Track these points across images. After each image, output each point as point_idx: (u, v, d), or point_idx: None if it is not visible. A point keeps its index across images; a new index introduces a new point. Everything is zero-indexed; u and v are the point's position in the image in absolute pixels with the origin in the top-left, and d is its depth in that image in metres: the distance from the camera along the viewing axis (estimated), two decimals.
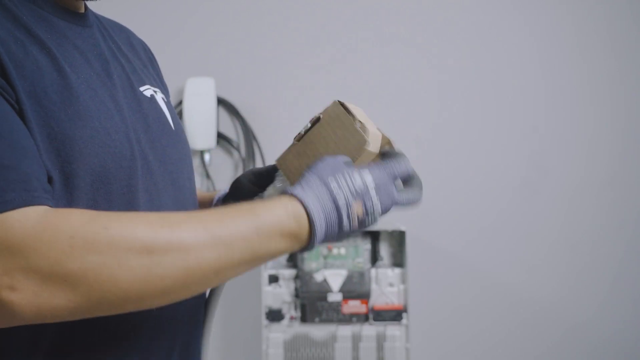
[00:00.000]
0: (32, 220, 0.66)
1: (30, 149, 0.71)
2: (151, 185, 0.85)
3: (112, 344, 0.80)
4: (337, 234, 0.77)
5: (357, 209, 0.77)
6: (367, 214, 0.78)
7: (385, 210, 0.80)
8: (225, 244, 0.71)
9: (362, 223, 0.78)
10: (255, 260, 0.75)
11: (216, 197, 1.04)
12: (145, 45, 1.08)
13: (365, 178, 0.79)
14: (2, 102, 0.71)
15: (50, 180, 0.73)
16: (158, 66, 1.08)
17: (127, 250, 0.67)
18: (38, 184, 0.69)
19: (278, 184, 0.89)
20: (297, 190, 0.77)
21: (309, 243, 0.76)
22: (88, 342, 0.78)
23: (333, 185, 0.77)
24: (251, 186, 0.94)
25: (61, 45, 0.81)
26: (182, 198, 0.91)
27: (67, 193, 0.75)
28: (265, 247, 0.74)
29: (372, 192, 0.78)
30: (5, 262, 0.65)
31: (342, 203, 0.76)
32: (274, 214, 0.74)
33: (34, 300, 0.65)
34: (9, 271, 0.65)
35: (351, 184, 0.77)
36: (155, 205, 0.85)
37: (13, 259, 0.65)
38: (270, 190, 0.90)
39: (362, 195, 0.77)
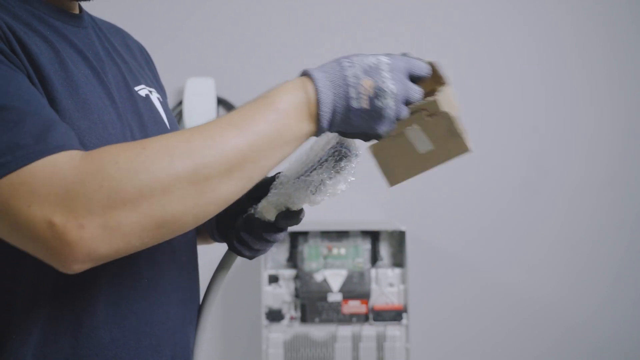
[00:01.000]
0: (78, 158, 0.68)
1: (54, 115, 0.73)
2: None
3: (97, 342, 0.80)
4: (346, 111, 0.76)
5: (367, 84, 0.75)
6: (377, 93, 0.75)
7: (398, 97, 0.76)
8: (246, 122, 0.74)
9: (372, 102, 0.75)
10: (277, 135, 0.75)
11: None
12: (142, 47, 1.09)
13: (380, 58, 0.77)
14: (21, 75, 0.73)
15: None
16: (155, 68, 1.09)
17: (170, 159, 0.69)
18: (75, 137, 0.72)
19: (271, 197, 0.86)
20: (309, 68, 0.79)
21: (319, 112, 0.75)
22: (75, 342, 0.79)
23: (345, 62, 0.77)
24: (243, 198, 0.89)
25: (60, 42, 0.83)
26: None
27: None
28: (280, 119, 0.75)
29: (385, 72, 0.76)
30: (67, 202, 0.66)
31: (350, 74, 0.76)
32: (282, 87, 0.79)
33: (103, 233, 0.66)
34: (73, 210, 0.66)
35: (364, 61, 0.77)
36: None
37: (73, 198, 0.66)
38: (263, 203, 0.87)
39: (372, 72, 0.76)
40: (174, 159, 0.69)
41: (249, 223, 0.89)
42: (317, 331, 2.03)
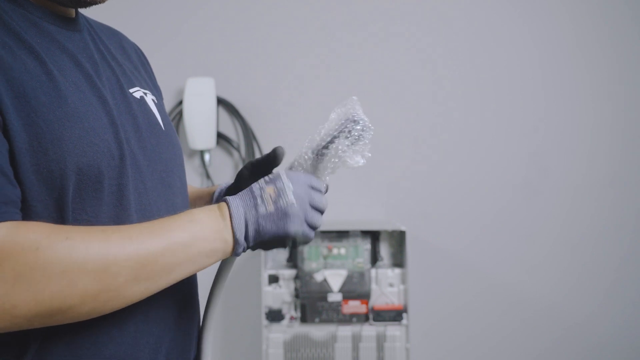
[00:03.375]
0: (2, 233, 0.70)
1: (0, 169, 0.74)
2: (139, 184, 0.87)
3: (95, 340, 0.81)
4: (256, 219, 0.84)
5: (270, 190, 0.85)
6: (279, 194, 0.85)
7: (303, 198, 0.86)
8: (164, 229, 0.78)
9: (276, 204, 0.84)
10: (193, 244, 0.80)
11: (217, 190, 1.09)
12: (138, 48, 1.09)
13: (280, 171, 0.89)
14: None
15: (29, 185, 0.76)
16: (151, 69, 1.10)
17: (85, 256, 0.72)
18: (7, 201, 0.73)
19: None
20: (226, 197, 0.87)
21: (232, 224, 0.82)
22: (72, 339, 0.79)
23: (253, 184, 0.87)
24: (250, 175, 1.00)
25: (50, 49, 0.83)
26: (171, 197, 0.93)
27: (55, 192, 0.77)
28: (197, 229, 0.80)
29: (284, 177, 0.86)
30: None
31: (255, 187, 0.86)
32: (202, 209, 0.84)
33: None
34: None
35: (266, 177, 0.87)
36: (144, 204, 0.87)
37: None
38: None
39: (274, 180, 0.86)
40: (89, 257, 0.72)
41: None
42: (317, 331, 2.03)
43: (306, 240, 0.87)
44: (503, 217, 2.37)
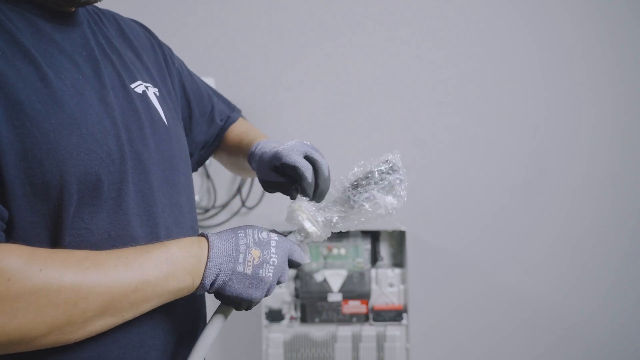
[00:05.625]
0: None
1: None
2: (145, 185, 0.85)
3: (100, 343, 0.80)
4: (230, 273, 0.81)
5: (255, 254, 0.82)
6: (262, 263, 0.82)
7: (277, 273, 0.84)
8: (139, 264, 0.76)
9: (256, 270, 0.82)
10: (163, 284, 0.78)
11: (255, 147, 1.10)
12: (140, 26, 1.07)
13: (271, 235, 0.85)
14: None
15: (20, 193, 0.74)
16: (157, 42, 1.07)
17: (58, 290, 0.70)
18: None
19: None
20: (207, 232, 0.84)
21: (205, 270, 0.80)
22: (77, 342, 0.78)
23: (240, 232, 0.84)
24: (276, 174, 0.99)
25: (47, 51, 0.80)
26: (176, 196, 0.92)
27: (51, 203, 0.75)
28: (170, 269, 0.78)
29: (273, 247, 0.84)
30: None
31: (242, 242, 0.82)
32: (181, 244, 0.81)
33: None
34: None
35: (256, 235, 0.84)
36: (148, 205, 0.85)
37: None
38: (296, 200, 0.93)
39: (262, 245, 0.83)
40: (61, 292, 0.70)
41: None
42: (317, 331, 2.03)
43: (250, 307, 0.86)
44: (503, 217, 2.37)
